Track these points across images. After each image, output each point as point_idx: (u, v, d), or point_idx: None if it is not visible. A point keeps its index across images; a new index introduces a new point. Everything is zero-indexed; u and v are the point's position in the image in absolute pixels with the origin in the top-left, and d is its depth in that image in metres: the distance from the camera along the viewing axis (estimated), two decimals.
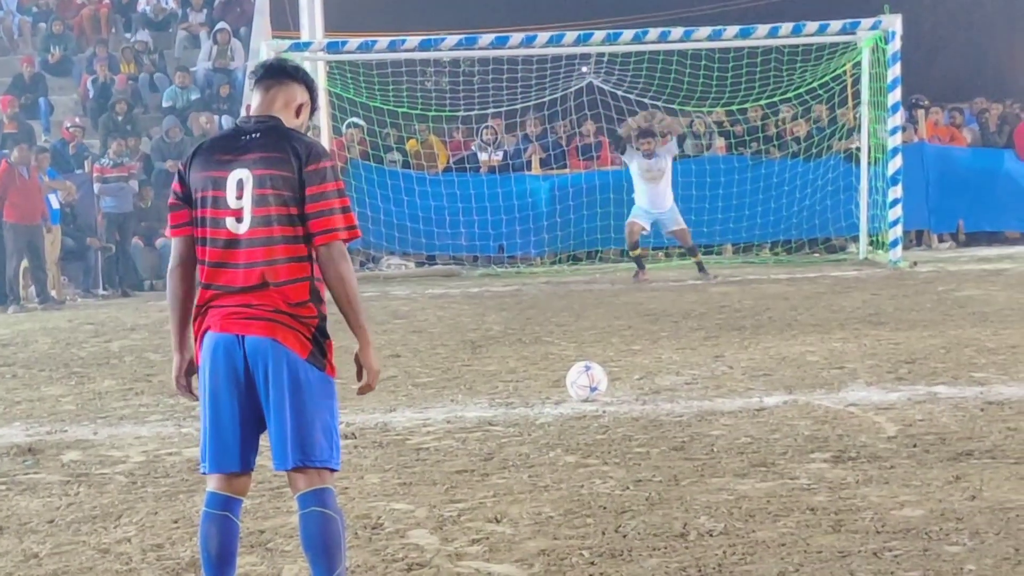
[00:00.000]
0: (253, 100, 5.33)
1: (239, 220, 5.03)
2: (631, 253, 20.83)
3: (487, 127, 24.66)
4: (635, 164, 20.02)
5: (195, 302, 5.13)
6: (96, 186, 22.50)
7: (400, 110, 23.93)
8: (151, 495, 7.57)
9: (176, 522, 6.90)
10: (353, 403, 10.26)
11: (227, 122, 25.66)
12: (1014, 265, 20.83)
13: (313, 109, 5.42)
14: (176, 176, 5.20)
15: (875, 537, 6.11)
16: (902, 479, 7.24)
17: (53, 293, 20.39)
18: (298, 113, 5.30)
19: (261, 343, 5.00)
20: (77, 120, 25.51)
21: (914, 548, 5.91)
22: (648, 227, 20.43)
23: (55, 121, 26.51)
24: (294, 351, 5.03)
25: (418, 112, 24.36)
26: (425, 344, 13.69)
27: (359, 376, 5.26)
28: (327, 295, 5.18)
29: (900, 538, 6.08)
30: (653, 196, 20.01)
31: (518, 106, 24.38)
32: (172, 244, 5.22)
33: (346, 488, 7.50)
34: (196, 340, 5.14)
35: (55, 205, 20.92)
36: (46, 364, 13.32)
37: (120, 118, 25.41)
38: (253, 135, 5.13)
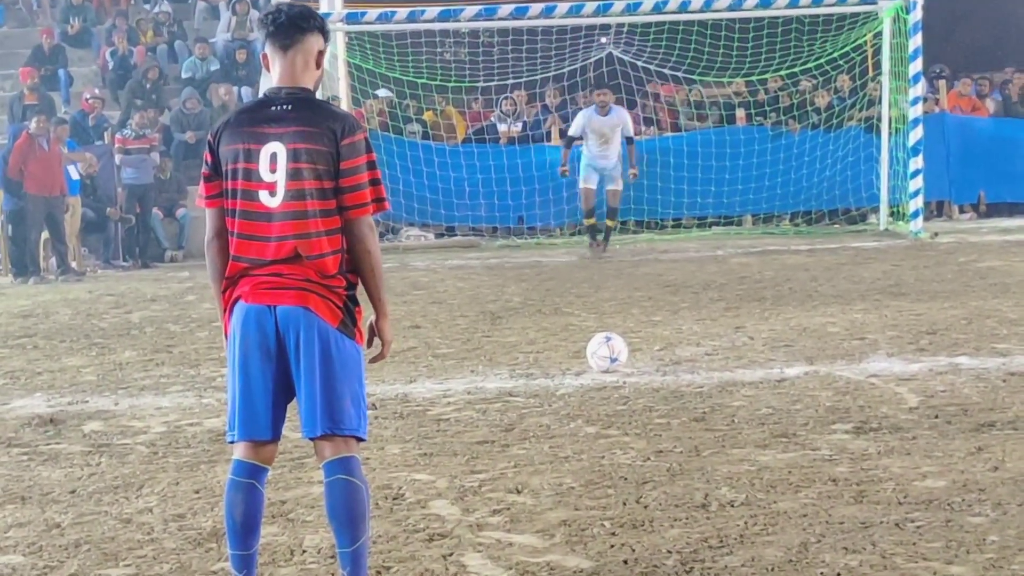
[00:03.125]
0: (273, 65, 5.19)
1: (272, 194, 4.98)
2: (584, 221, 20.72)
3: (506, 98, 24.60)
4: (588, 121, 19.84)
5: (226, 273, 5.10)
6: (117, 157, 22.49)
7: (419, 81, 23.87)
8: (172, 465, 7.58)
9: (197, 492, 6.92)
10: (374, 374, 10.27)
11: (247, 93, 25.66)
12: None
13: (326, 42, 5.30)
14: (207, 147, 5.15)
15: (897, 508, 6.10)
16: (924, 450, 7.22)
17: (73, 264, 20.42)
18: (318, 63, 5.25)
19: (292, 312, 4.95)
20: (97, 91, 25.50)
21: (936, 519, 5.90)
22: (595, 185, 20.28)
23: (75, 92, 26.50)
24: (325, 320, 4.97)
25: (437, 83, 24.30)
26: (445, 315, 13.68)
27: (370, 344, 5.16)
28: None
29: (922, 509, 6.07)
30: (601, 147, 19.83)
31: (537, 77, 24.33)
32: (207, 215, 5.18)
33: (367, 459, 7.50)
34: (226, 311, 5.15)
35: (75, 177, 20.93)
36: (67, 335, 13.35)
37: (148, 85, 25.42)
38: (285, 106, 5.07)
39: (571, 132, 20.33)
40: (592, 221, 20.43)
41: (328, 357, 4.97)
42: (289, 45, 5.15)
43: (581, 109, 21.18)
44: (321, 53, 5.24)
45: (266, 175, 4.99)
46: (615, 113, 19.95)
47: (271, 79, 5.23)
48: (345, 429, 5.06)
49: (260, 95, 5.25)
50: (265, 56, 5.23)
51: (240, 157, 5.02)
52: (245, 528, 5.04)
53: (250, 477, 5.08)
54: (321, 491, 6.75)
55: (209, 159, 5.12)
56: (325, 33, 5.28)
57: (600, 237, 20.35)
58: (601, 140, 19.79)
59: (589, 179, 20.11)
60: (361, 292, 5.02)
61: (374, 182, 5.08)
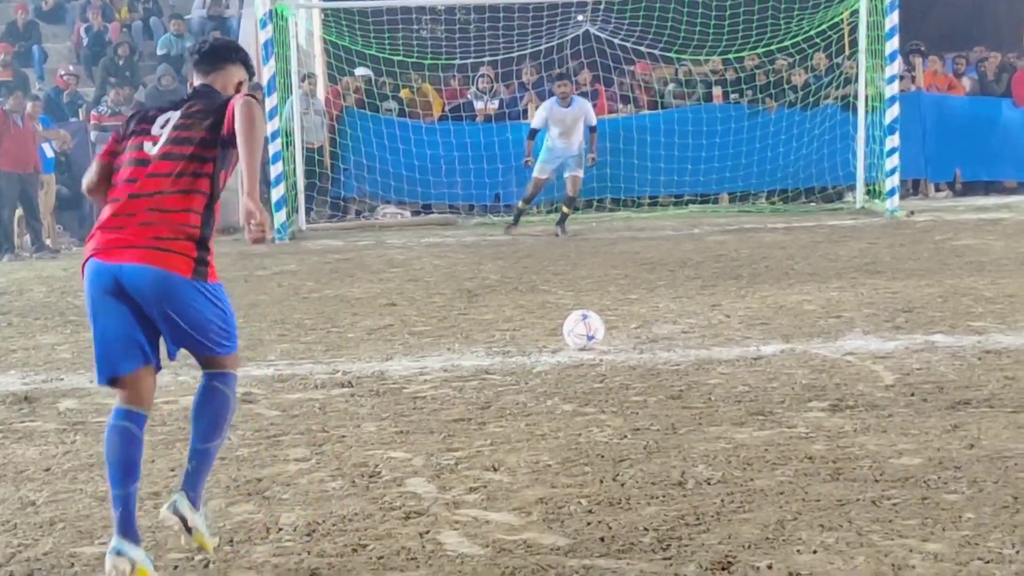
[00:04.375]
0: (195, 81, 5.78)
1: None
2: (519, 204, 20.68)
3: (482, 76, 24.57)
4: (550, 113, 19.82)
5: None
6: (93, 134, 22.37)
7: (395, 58, 23.81)
8: (147, 443, 7.51)
9: (173, 470, 6.89)
10: (350, 352, 10.26)
11: None
12: (1011, 214, 20.82)
13: (250, 77, 5.86)
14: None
15: (873, 485, 6.10)
16: (900, 428, 7.23)
17: (48, 242, 20.34)
18: (237, 89, 5.73)
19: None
20: (71, 68, 25.37)
21: (912, 496, 5.91)
22: (553, 176, 20.29)
23: (49, 69, 26.37)
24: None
25: (414, 61, 24.24)
26: (421, 293, 13.66)
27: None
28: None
29: (898, 486, 6.08)
30: (562, 137, 19.80)
31: (514, 54, 24.28)
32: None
33: (343, 436, 7.50)
34: None
35: (49, 154, 20.82)
36: (41, 313, 13.30)
37: (121, 62, 25.29)
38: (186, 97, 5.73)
39: (533, 125, 20.27)
40: (525, 206, 20.46)
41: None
42: (210, 71, 5.77)
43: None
44: (242, 83, 5.79)
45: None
46: (576, 104, 19.89)
47: None
48: (218, 352, 5.49)
49: None
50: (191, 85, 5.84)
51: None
52: (122, 469, 5.31)
53: (126, 420, 5.39)
54: (297, 468, 6.77)
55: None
56: (248, 66, 5.82)
57: (558, 224, 20.17)
58: (563, 131, 19.76)
59: (544, 170, 20.05)
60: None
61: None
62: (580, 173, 20.03)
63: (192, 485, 5.44)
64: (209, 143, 5.41)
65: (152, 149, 5.48)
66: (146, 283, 5.25)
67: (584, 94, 22.41)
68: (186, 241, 5.31)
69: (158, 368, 5.50)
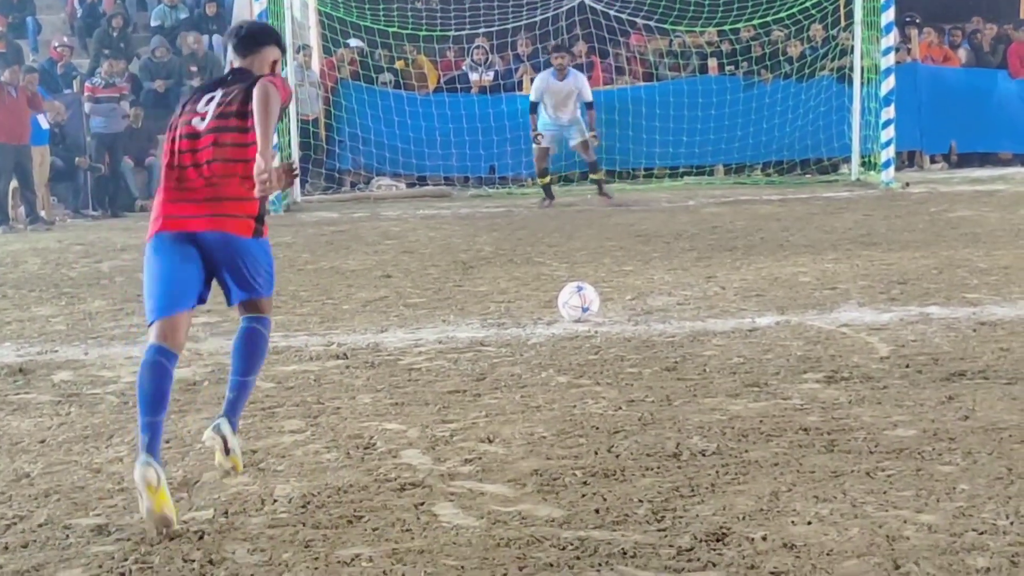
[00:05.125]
0: (235, 63, 6.38)
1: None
2: (540, 181, 20.62)
3: (477, 47, 24.51)
4: (545, 85, 19.80)
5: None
6: (87, 106, 22.33)
7: (391, 30, 23.76)
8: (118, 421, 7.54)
9: (168, 442, 6.88)
10: (345, 324, 10.26)
11: (217, 41, 25.48)
12: (1006, 186, 20.83)
13: (283, 52, 6.48)
14: None
15: (868, 457, 6.11)
16: (895, 399, 7.23)
17: (43, 214, 20.31)
18: (272, 68, 6.33)
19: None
20: (65, 40, 25.30)
21: (907, 468, 5.91)
22: (554, 146, 20.28)
23: (43, 41, 26.30)
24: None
25: (408, 32, 24.18)
26: (416, 265, 13.66)
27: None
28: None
29: (893, 458, 6.08)
30: (556, 110, 19.80)
31: (509, 26, 24.23)
32: None
33: (338, 408, 7.50)
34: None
35: (44, 126, 20.77)
36: (36, 284, 13.29)
37: (115, 34, 25.22)
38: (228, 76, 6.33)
39: (532, 98, 20.26)
40: (545, 180, 20.41)
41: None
42: (247, 54, 6.36)
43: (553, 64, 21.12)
44: (276, 62, 6.37)
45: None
46: (572, 78, 19.90)
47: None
48: (262, 294, 6.33)
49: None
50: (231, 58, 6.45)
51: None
52: (155, 400, 5.73)
53: (162, 356, 5.90)
54: (292, 440, 6.79)
55: None
56: (281, 45, 6.44)
57: (600, 194, 20.19)
58: (556, 103, 19.74)
59: (542, 138, 20.04)
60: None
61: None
62: (585, 137, 20.03)
63: (232, 411, 6.18)
64: (247, 116, 5.97)
65: (201, 124, 6.09)
66: (217, 247, 6.04)
67: (579, 66, 22.40)
68: (243, 204, 6.04)
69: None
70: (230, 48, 6.47)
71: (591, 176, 20.44)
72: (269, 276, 6.35)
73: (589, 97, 19.98)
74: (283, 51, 6.42)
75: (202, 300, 6.18)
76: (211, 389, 8.14)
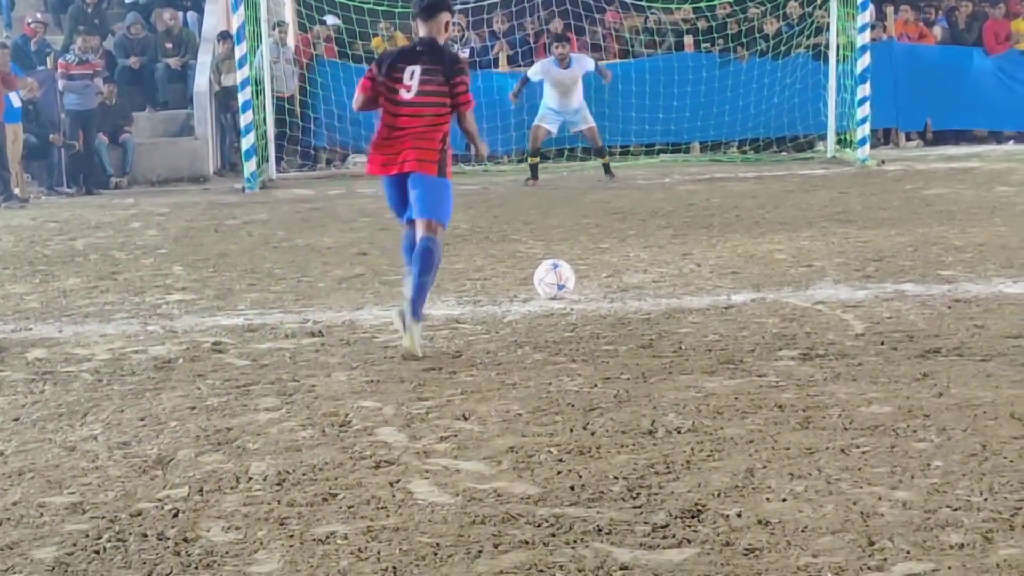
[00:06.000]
0: (419, 30, 8.72)
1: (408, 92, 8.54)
2: (530, 160, 20.53)
3: (454, 24, 24.39)
4: (547, 74, 19.79)
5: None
6: (60, 83, 22.20)
7: (366, 6, 23.67)
8: (117, 393, 7.54)
9: (142, 420, 6.87)
10: (320, 301, 10.24)
11: (192, 19, 25.39)
12: (981, 164, 20.86)
13: (452, 14, 8.95)
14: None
15: (843, 434, 6.12)
16: (870, 376, 7.25)
17: (16, 191, 20.20)
18: (446, 28, 8.72)
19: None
20: (39, 16, 25.16)
21: (881, 445, 5.92)
22: (555, 130, 20.25)
23: (16, 17, 26.15)
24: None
25: (384, 8, 24.10)
26: (392, 242, 13.59)
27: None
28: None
29: (868, 435, 6.09)
30: (562, 98, 19.77)
31: (485, 3, 24.16)
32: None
33: (314, 386, 7.49)
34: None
35: (16, 103, 20.65)
36: (10, 262, 13.24)
37: (90, 10, 25.09)
38: (420, 49, 8.64)
39: (530, 75, 20.19)
40: (536, 160, 20.33)
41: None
42: (428, 19, 8.64)
43: (529, 41, 21.12)
44: (447, 23, 8.73)
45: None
46: (575, 64, 19.82)
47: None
48: (434, 217, 8.54)
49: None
50: (416, 23, 8.91)
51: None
52: (408, 251, 8.62)
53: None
54: (267, 418, 6.79)
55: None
56: (451, 10, 8.86)
57: (607, 175, 20.15)
58: (563, 92, 19.70)
59: (545, 119, 19.99)
60: None
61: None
62: (591, 123, 20.05)
63: (413, 304, 8.21)
64: (445, 94, 8.53)
65: (407, 95, 8.50)
66: (414, 179, 8.48)
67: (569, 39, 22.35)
68: (433, 154, 8.51)
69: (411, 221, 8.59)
70: (417, 17, 8.76)
71: (601, 160, 20.33)
72: (445, 208, 8.57)
73: (590, 67, 19.98)
74: (452, 13, 8.87)
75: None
76: (186, 366, 8.12)
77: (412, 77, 8.45)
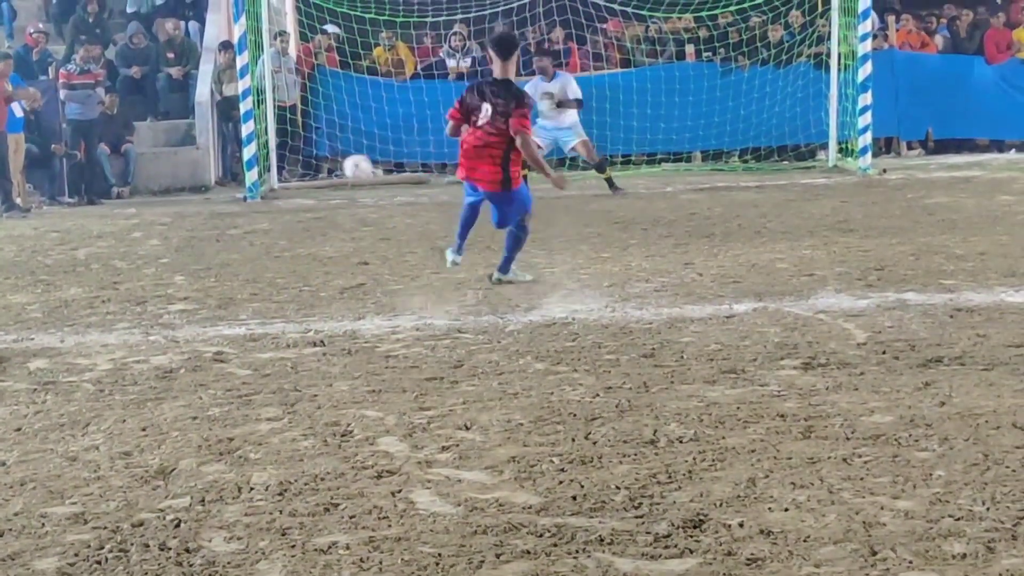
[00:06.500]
0: (494, 66, 10.94)
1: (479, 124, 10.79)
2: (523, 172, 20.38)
3: (455, 33, 24.46)
4: (536, 90, 19.67)
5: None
6: (62, 93, 22.22)
7: (367, 16, 23.69)
8: (119, 403, 7.54)
9: (144, 430, 6.87)
10: (322, 311, 10.24)
11: (194, 28, 25.41)
12: (983, 172, 20.87)
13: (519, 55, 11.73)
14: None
15: (845, 443, 6.12)
16: (872, 385, 7.24)
17: (18, 201, 20.20)
18: (518, 64, 11.28)
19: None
20: (40, 26, 25.19)
21: (883, 454, 5.92)
22: (545, 146, 20.14)
23: (18, 27, 26.17)
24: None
25: (386, 18, 24.12)
26: (394, 251, 13.65)
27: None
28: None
29: (870, 444, 6.09)
30: (551, 115, 19.63)
31: (487, 12, 24.17)
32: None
33: (315, 396, 7.49)
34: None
35: (18, 113, 20.65)
36: (12, 272, 13.24)
37: (91, 20, 25.12)
38: (494, 88, 10.85)
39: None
40: (526, 171, 20.15)
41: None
42: (506, 58, 10.80)
43: (530, 50, 21.06)
44: (517, 58, 11.03)
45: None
46: (560, 77, 19.70)
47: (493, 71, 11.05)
48: (513, 222, 11.18)
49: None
50: (488, 58, 11.63)
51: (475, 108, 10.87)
52: (465, 225, 11.34)
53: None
54: (269, 428, 6.79)
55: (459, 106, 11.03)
56: (519, 49, 11.47)
57: (610, 189, 19.74)
58: (551, 104, 19.54)
59: (537, 135, 19.84)
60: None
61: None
62: (583, 137, 19.80)
63: (503, 264, 11.27)
64: (505, 125, 10.65)
65: (480, 122, 10.72)
66: (488, 196, 10.99)
67: (557, 52, 22.32)
68: (497, 173, 10.83)
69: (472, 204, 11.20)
70: (492, 50, 11.01)
71: (602, 176, 19.98)
72: (521, 209, 11.09)
73: (579, 94, 19.76)
74: (520, 53, 11.91)
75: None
76: (188, 376, 8.12)
77: (485, 111, 10.68)
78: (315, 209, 18.75)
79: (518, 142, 10.64)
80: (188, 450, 6.41)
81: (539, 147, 20.01)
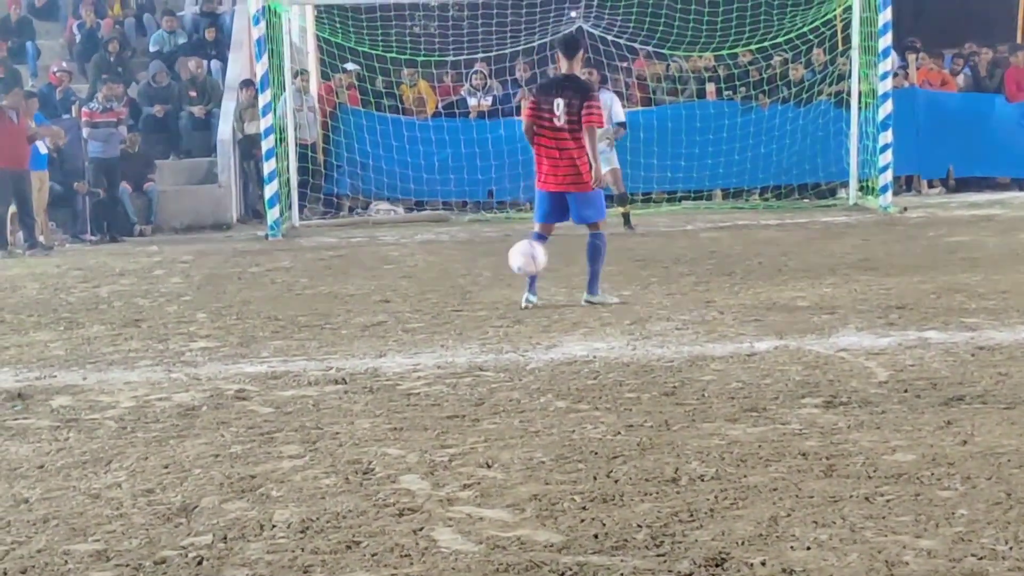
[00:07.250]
0: (560, 64, 11.99)
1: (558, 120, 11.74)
2: None
3: (476, 72, 24.54)
4: None
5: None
6: (85, 131, 22.34)
7: (389, 55, 23.80)
8: (141, 440, 7.55)
9: (167, 467, 6.89)
10: (343, 349, 10.26)
11: (216, 67, 25.53)
12: (1004, 211, 20.85)
13: (586, 53, 13.05)
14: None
15: (867, 482, 6.11)
16: (893, 424, 7.23)
17: (41, 239, 20.30)
18: (582, 61, 12.19)
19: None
20: (64, 64, 25.35)
21: (906, 493, 5.91)
22: None
23: (42, 66, 26.35)
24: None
25: (407, 57, 24.23)
26: (415, 289, 13.67)
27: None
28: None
29: (892, 483, 6.08)
30: None
31: (507, 51, 24.26)
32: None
33: (337, 433, 7.49)
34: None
35: (42, 151, 20.78)
36: (35, 309, 13.29)
37: (112, 59, 25.27)
38: (564, 82, 11.83)
39: None
40: None
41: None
42: (570, 56, 11.79)
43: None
44: (584, 55, 11.79)
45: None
46: (605, 94, 19.40)
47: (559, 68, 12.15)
48: (591, 221, 12.15)
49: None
50: (558, 57, 12.23)
51: (543, 104, 11.83)
52: (536, 237, 12.12)
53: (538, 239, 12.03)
54: (291, 465, 6.79)
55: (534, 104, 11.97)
56: (586, 48, 11.50)
57: (625, 226, 19.49)
58: None
59: None
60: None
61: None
62: (614, 164, 19.16)
63: (590, 285, 12.14)
64: (578, 117, 11.50)
65: (556, 122, 11.62)
66: (571, 196, 11.91)
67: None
68: (579, 171, 11.72)
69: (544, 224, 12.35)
70: (558, 50, 12.09)
71: (620, 209, 19.64)
72: (598, 210, 12.01)
73: (621, 117, 19.53)
74: (587, 50, 11.73)
75: (564, 219, 12.25)
76: (210, 414, 8.14)
77: (557, 105, 11.57)
78: (336, 247, 18.80)
79: (585, 135, 11.52)
80: (210, 488, 6.42)
81: None
